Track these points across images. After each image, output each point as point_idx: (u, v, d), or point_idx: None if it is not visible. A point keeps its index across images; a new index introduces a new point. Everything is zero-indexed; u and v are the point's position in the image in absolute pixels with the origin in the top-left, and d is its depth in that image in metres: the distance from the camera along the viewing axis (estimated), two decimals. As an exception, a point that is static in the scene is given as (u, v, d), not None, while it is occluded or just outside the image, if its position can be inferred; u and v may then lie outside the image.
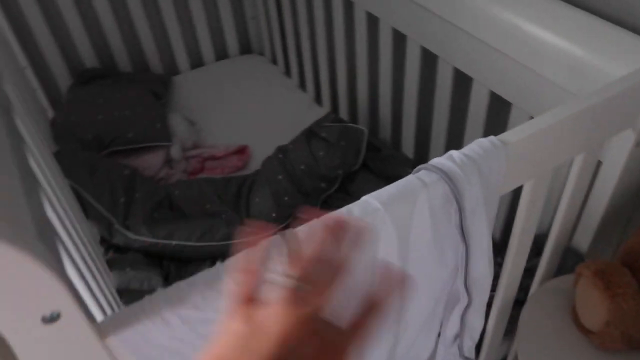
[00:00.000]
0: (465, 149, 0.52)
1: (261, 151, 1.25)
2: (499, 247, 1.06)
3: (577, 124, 0.58)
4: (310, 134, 1.20)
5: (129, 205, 1.07)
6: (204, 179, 1.19)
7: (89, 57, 1.47)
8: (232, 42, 1.67)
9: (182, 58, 1.61)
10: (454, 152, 0.51)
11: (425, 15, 0.91)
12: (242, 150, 1.30)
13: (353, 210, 0.48)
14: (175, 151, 1.25)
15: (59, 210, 0.64)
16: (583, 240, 0.78)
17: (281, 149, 1.19)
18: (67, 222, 0.65)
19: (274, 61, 1.66)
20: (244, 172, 1.24)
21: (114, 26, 1.46)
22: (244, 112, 1.44)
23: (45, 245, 0.35)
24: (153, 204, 1.07)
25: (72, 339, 0.38)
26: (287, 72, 1.60)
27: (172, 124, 1.30)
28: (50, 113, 1.40)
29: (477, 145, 0.52)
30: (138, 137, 1.23)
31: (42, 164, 0.68)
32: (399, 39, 1.05)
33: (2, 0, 1.31)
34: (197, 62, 1.66)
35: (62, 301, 0.35)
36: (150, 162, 1.22)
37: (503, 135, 0.53)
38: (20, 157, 0.53)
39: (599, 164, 0.72)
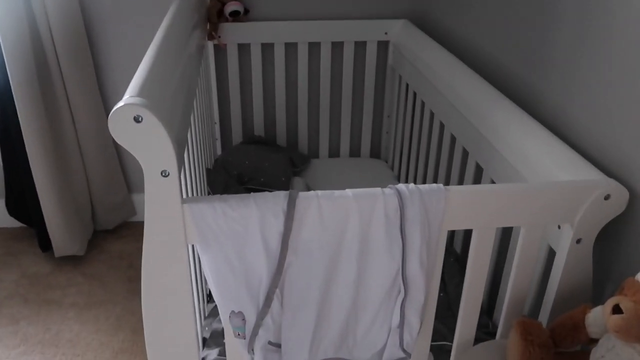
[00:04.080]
0: (419, 185, 0.82)
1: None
2: (486, 311, 1.25)
3: (513, 199, 0.84)
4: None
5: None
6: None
7: (258, 128, 2.01)
8: (365, 146, 2.10)
9: (324, 148, 2.09)
10: (411, 184, 0.82)
11: (477, 135, 1.23)
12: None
13: (334, 193, 0.81)
14: (288, 201, 1.67)
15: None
16: (543, 320, 0.96)
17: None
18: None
19: (392, 167, 2.04)
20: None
21: (283, 112, 2.00)
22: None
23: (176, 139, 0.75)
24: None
25: (171, 195, 0.76)
26: (398, 177, 1.96)
27: (294, 183, 1.74)
28: (219, 152, 1.95)
29: (427, 185, 0.82)
30: (266, 183, 1.67)
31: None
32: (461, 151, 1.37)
33: (218, 76, 1.94)
34: (334, 153, 2.12)
35: (172, 168, 0.74)
36: (268, 202, 1.64)
37: (448, 187, 0.83)
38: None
39: (553, 252, 0.94)
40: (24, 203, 1.93)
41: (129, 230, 2.09)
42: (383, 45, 1.95)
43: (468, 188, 0.83)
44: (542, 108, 1.16)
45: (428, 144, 1.65)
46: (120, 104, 0.70)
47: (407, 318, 0.88)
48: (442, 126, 1.53)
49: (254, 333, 0.85)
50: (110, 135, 2.06)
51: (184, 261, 0.81)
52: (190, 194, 1.15)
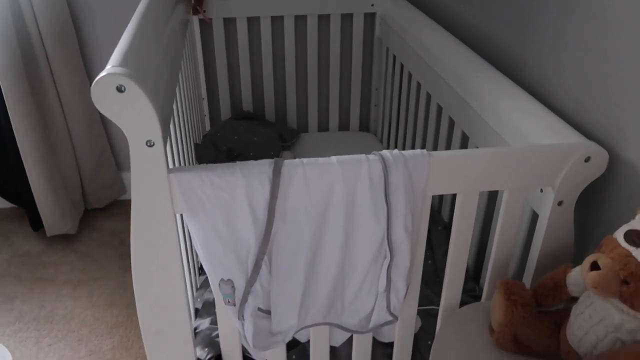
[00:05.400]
0: (403, 151, 0.83)
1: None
2: (473, 276, 1.28)
3: (495, 163, 0.85)
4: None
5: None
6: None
7: (247, 103, 2.01)
8: (354, 119, 2.10)
9: (313, 122, 2.09)
10: (395, 150, 0.83)
11: (463, 104, 1.23)
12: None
13: (319, 160, 0.81)
14: (278, 175, 1.68)
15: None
16: (527, 282, 0.99)
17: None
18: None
19: (382, 140, 2.05)
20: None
21: (271, 87, 1.99)
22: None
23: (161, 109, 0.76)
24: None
25: (157, 164, 0.77)
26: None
27: (283, 157, 1.74)
28: (208, 128, 1.95)
29: (411, 150, 0.83)
30: (255, 157, 1.67)
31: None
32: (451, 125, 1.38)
33: (204, 52, 1.92)
34: (324, 127, 2.12)
35: (157, 137, 0.74)
36: (257, 176, 1.65)
37: (432, 152, 0.84)
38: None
39: (536, 216, 0.96)
40: (13, 183, 1.92)
41: (120, 209, 2.10)
42: (370, 17, 1.94)
43: (451, 153, 0.84)
44: (526, 74, 1.17)
45: (415, 116, 1.66)
46: (102, 73, 0.70)
47: (393, 282, 0.89)
48: (428, 97, 1.54)
49: (244, 300, 0.87)
50: (98, 113, 2.05)
51: (172, 231, 0.82)
52: (178, 168, 1.15)
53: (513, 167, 0.86)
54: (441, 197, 1.54)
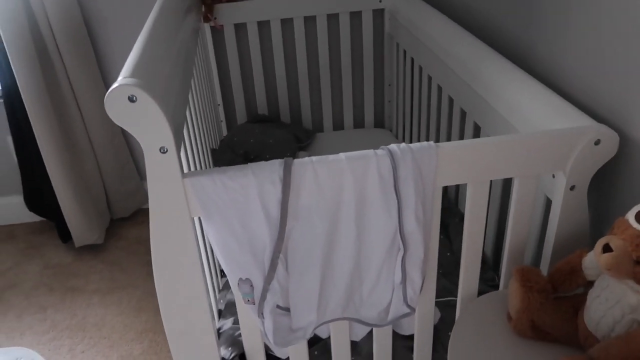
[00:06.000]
0: (411, 144, 0.84)
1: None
2: (492, 266, 1.28)
3: (504, 151, 0.85)
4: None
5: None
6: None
7: (262, 107, 2.04)
8: (369, 116, 2.11)
9: (328, 121, 2.10)
10: (403, 143, 0.84)
11: (473, 94, 1.24)
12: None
13: (328, 158, 0.83)
14: (295, 175, 1.70)
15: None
16: (544, 268, 0.99)
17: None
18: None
19: (397, 136, 2.05)
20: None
21: (284, 89, 2.02)
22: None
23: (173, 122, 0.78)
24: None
25: (171, 170, 0.79)
26: (403, 144, 1.98)
27: (299, 157, 1.76)
28: (225, 133, 1.99)
29: (418, 143, 0.84)
30: (271, 159, 1.69)
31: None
32: (463, 114, 1.38)
33: (217, 59, 1.96)
34: (339, 126, 2.14)
35: (170, 144, 0.77)
36: (275, 178, 1.67)
37: (439, 143, 0.85)
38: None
39: (549, 201, 0.95)
40: (41, 198, 1.99)
41: (144, 217, 2.15)
42: (378, 14, 1.95)
43: (458, 144, 0.85)
44: (534, 61, 1.17)
45: (428, 109, 1.66)
46: (115, 85, 0.73)
47: (408, 274, 0.90)
48: (440, 89, 1.54)
49: (262, 298, 0.89)
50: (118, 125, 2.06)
51: (190, 234, 0.85)
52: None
53: (522, 154, 0.86)
54: (457, 189, 1.54)
